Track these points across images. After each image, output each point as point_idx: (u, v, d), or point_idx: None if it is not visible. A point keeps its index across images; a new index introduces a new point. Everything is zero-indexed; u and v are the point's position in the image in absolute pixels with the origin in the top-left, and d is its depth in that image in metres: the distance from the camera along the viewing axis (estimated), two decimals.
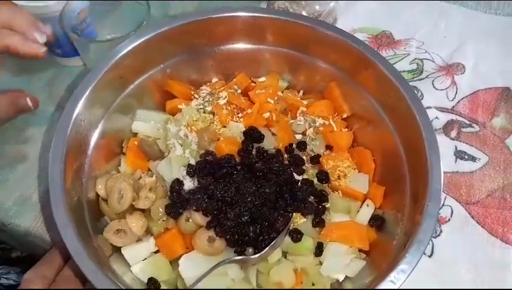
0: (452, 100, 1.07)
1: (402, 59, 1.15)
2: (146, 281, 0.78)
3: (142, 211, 0.82)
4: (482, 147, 1.00)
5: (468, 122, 1.03)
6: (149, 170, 0.88)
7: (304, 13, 1.14)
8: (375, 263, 0.79)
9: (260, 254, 0.77)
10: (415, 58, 1.15)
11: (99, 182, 0.84)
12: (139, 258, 0.80)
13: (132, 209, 0.82)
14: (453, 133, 1.02)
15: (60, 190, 0.73)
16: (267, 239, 0.78)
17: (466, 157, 0.98)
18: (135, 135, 0.93)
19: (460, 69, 1.12)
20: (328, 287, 0.80)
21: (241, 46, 0.97)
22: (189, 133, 0.88)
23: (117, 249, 0.80)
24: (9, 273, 1.14)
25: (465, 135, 1.01)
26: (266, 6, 1.19)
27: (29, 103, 0.81)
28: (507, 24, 1.23)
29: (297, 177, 0.87)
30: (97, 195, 0.84)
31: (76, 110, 0.79)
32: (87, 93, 0.81)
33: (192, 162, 0.85)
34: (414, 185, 0.80)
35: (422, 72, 1.12)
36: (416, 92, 1.07)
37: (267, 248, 0.77)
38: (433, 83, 1.10)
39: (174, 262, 0.80)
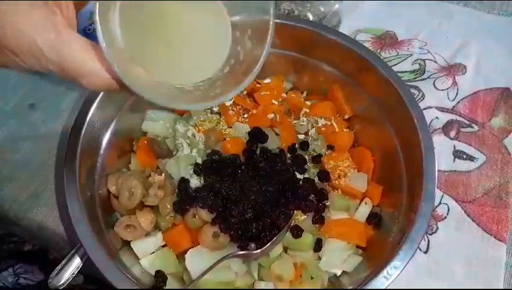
0: (453, 100, 1.09)
1: (405, 59, 1.16)
2: (154, 273, 0.82)
3: (151, 207, 0.86)
4: (480, 147, 1.02)
5: (467, 122, 1.05)
6: (158, 167, 0.92)
7: (309, 14, 1.16)
8: (372, 258, 0.83)
9: (262, 249, 0.80)
10: (418, 59, 1.17)
11: (111, 179, 0.88)
12: (148, 252, 0.84)
13: (141, 205, 0.86)
14: (452, 133, 1.04)
15: (75, 187, 0.77)
16: (269, 235, 0.82)
17: (464, 156, 1.01)
18: (145, 134, 0.97)
19: (462, 70, 1.14)
20: (326, 281, 0.83)
21: None
22: (197, 133, 0.92)
23: (127, 243, 0.84)
24: (26, 272, 1.17)
25: (464, 135, 1.04)
26: None
27: None
28: (510, 24, 1.23)
29: (299, 176, 0.90)
30: (108, 191, 0.88)
31: (90, 111, 0.84)
32: (100, 94, 0.85)
33: (199, 161, 0.89)
34: (410, 185, 0.83)
35: (424, 72, 1.14)
36: (417, 92, 1.10)
37: (268, 244, 0.81)
38: (434, 83, 1.12)
39: (180, 256, 0.84)
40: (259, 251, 0.81)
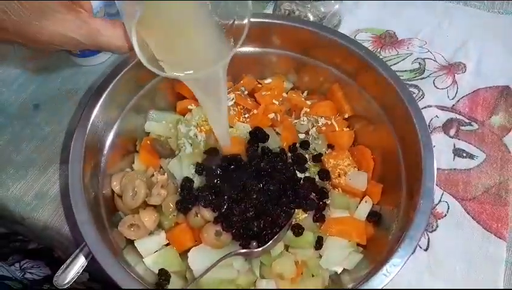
0: (452, 99, 1.10)
1: (404, 59, 1.17)
2: (157, 272, 0.83)
3: (154, 206, 0.87)
4: (480, 145, 1.02)
5: (467, 121, 1.06)
6: (161, 167, 0.93)
7: (309, 15, 1.17)
8: (372, 256, 0.83)
9: (263, 247, 0.81)
10: (418, 58, 1.18)
11: (115, 179, 0.89)
12: (151, 251, 0.85)
13: (145, 205, 0.87)
14: (452, 131, 1.05)
15: (79, 187, 0.78)
16: (270, 233, 0.83)
17: (464, 155, 1.01)
18: (148, 134, 0.98)
19: (462, 68, 1.15)
20: (327, 279, 0.84)
21: (248, 49, 1.00)
22: (199, 133, 0.93)
23: (130, 242, 0.85)
24: (33, 267, 1.19)
25: (463, 133, 1.04)
26: (273, 8, 1.24)
27: None
28: (510, 23, 1.24)
29: (299, 175, 0.92)
30: (112, 191, 0.89)
31: (94, 112, 0.85)
32: (104, 96, 0.86)
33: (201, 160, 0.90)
34: (409, 183, 0.84)
35: (424, 71, 1.15)
36: (417, 91, 1.11)
37: (270, 242, 0.82)
38: (434, 82, 1.13)
39: (183, 254, 0.85)
40: (260, 249, 0.82)
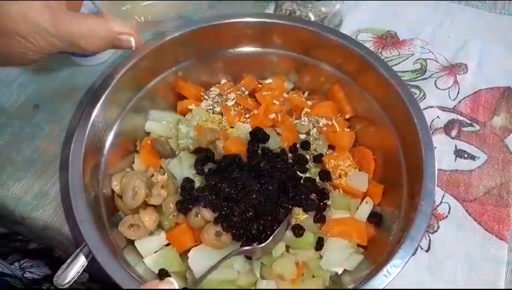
0: (454, 100, 1.09)
1: (406, 59, 1.17)
2: (157, 272, 0.82)
3: (155, 206, 0.87)
4: (482, 146, 1.02)
5: (468, 122, 1.06)
6: (161, 167, 0.93)
7: (310, 15, 1.17)
8: (373, 257, 0.83)
9: (263, 244, 0.81)
10: (419, 58, 1.17)
11: (115, 179, 0.89)
12: (151, 251, 0.85)
13: (145, 205, 0.87)
14: (454, 132, 1.04)
15: (79, 187, 0.78)
16: (270, 233, 0.82)
17: (465, 156, 1.01)
18: (148, 134, 0.98)
19: (463, 69, 1.14)
20: (327, 280, 0.84)
21: (249, 49, 1.01)
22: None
23: (131, 242, 0.85)
24: (32, 266, 1.19)
25: (465, 134, 1.04)
26: (274, 8, 1.23)
27: (132, 43, 0.71)
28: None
29: (300, 175, 0.91)
30: (112, 191, 0.89)
31: (94, 113, 0.85)
32: (104, 96, 0.86)
33: None
34: (410, 184, 0.83)
35: (425, 71, 1.15)
36: (419, 91, 1.10)
37: (270, 238, 0.81)
38: (435, 83, 1.12)
39: (183, 255, 0.85)
40: (260, 246, 0.81)
